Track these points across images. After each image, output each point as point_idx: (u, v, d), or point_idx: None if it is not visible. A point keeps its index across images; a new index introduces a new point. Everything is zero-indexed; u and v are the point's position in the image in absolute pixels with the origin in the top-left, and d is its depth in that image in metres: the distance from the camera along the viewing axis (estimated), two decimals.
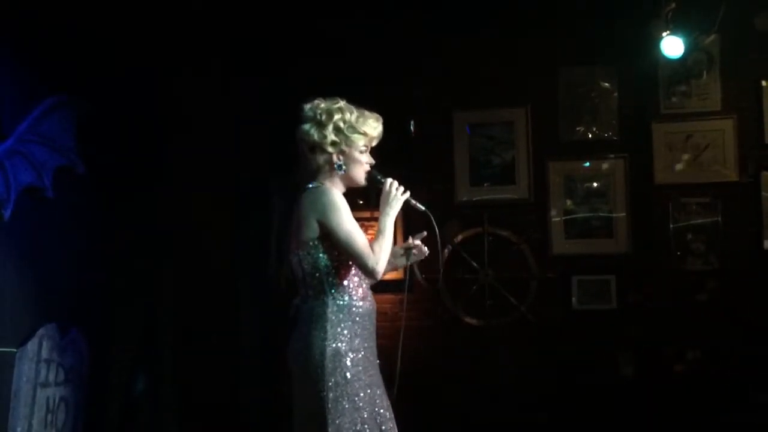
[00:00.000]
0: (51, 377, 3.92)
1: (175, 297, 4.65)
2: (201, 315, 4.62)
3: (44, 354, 3.86)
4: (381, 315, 3.09)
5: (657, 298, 4.96)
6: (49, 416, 3.90)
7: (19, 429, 3.67)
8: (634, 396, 4.89)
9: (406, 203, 3.00)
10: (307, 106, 2.96)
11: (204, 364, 4.65)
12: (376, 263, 2.83)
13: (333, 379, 2.80)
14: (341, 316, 2.87)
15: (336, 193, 2.89)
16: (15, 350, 3.72)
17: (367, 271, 2.86)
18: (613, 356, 4.99)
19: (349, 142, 2.92)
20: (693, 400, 4.78)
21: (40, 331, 3.85)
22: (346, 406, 2.80)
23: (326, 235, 2.85)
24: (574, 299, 5.13)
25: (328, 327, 2.84)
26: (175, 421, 4.61)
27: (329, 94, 2.98)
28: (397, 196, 2.96)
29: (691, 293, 4.91)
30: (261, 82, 4.98)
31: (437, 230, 3.02)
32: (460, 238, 5.30)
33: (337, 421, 2.78)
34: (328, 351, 2.81)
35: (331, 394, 2.79)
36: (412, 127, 5.22)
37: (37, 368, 3.82)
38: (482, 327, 5.22)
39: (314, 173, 2.95)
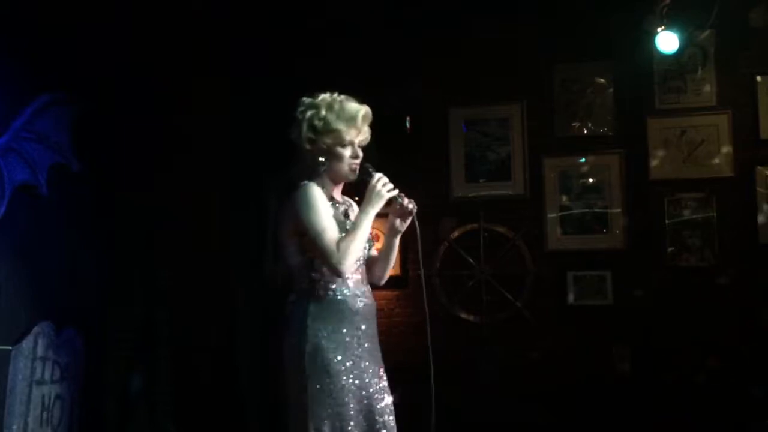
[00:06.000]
0: (47, 375, 3.91)
1: (171, 294, 4.64)
2: (197, 312, 4.61)
3: (40, 351, 3.85)
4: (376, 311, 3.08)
5: (653, 293, 4.96)
6: (45, 414, 3.89)
7: (14, 427, 3.67)
8: (630, 392, 4.89)
9: (395, 201, 2.93)
10: (298, 104, 2.96)
11: (200, 361, 4.64)
12: (339, 261, 2.77)
13: (314, 374, 2.80)
14: (323, 312, 2.86)
15: (315, 190, 2.85)
16: (10, 348, 3.71)
17: (331, 268, 2.81)
18: (609, 352, 4.99)
19: (326, 139, 2.89)
20: (689, 396, 4.79)
21: (36, 329, 3.84)
22: (329, 401, 2.80)
23: (303, 232, 2.84)
24: (569, 295, 5.13)
25: (309, 322, 2.84)
26: (171, 419, 4.60)
27: (326, 92, 2.97)
28: (380, 192, 2.86)
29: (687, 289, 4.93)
30: (257, 81, 4.97)
31: (418, 229, 2.97)
32: (455, 234, 5.31)
33: (318, 415, 2.78)
34: (308, 347, 2.82)
35: (311, 389, 2.79)
36: (407, 124, 5.23)
37: (33, 366, 3.81)
38: (478, 323, 5.23)
39: (304, 171, 2.94)
